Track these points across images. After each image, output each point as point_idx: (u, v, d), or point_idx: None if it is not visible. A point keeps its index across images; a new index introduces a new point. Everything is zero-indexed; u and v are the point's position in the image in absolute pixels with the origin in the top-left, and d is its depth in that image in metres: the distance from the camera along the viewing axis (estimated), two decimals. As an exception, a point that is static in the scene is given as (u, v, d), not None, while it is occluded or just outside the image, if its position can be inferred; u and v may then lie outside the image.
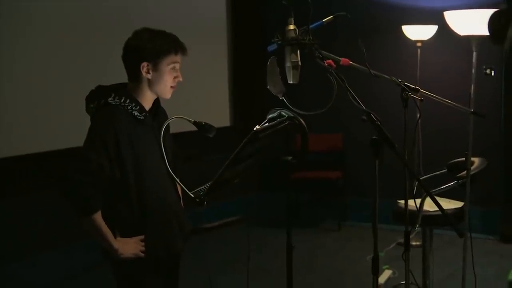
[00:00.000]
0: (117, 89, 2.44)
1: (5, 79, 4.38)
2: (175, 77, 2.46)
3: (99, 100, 2.39)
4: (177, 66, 2.46)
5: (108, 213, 2.38)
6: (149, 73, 2.41)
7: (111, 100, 2.38)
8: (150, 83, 2.43)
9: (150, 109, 2.50)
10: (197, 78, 5.68)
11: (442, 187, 3.34)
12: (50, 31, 4.65)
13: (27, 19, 4.49)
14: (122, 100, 2.38)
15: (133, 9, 5.25)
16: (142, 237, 2.43)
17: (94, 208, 2.31)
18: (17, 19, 4.43)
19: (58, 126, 4.71)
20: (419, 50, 5.29)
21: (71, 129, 4.66)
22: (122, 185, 2.37)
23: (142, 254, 2.42)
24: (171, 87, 2.47)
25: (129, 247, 2.40)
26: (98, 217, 2.32)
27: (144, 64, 2.39)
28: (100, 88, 2.46)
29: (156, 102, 2.54)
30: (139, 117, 2.40)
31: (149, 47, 2.38)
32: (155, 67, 2.41)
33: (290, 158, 2.28)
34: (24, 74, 4.49)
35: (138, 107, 2.41)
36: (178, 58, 2.45)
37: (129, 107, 2.39)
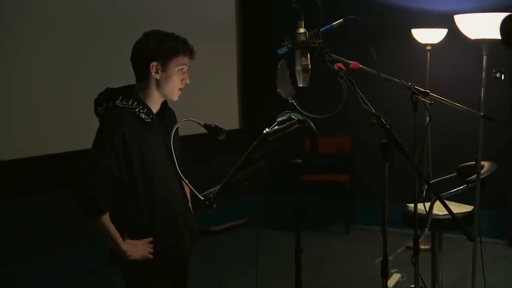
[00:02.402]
0: (125, 91, 2.45)
1: (10, 81, 4.39)
2: (182, 79, 2.47)
3: (107, 103, 2.41)
4: (185, 68, 2.47)
5: (117, 215, 2.39)
6: (158, 73, 2.42)
7: (118, 102, 2.39)
8: (158, 84, 2.44)
9: (158, 111, 2.51)
10: (206, 80, 5.69)
11: (452, 191, 3.33)
12: (56, 32, 4.66)
13: (32, 21, 4.50)
14: (130, 102, 2.40)
15: (140, 10, 5.24)
16: (150, 239, 2.43)
17: (102, 210, 2.32)
18: (22, 20, 4.44)
19: (63, 129, 4.72)
20: (428, 54, 5.28)
21: (76, 132, 4.69)
22: (130, 187, 2.38)
23: (151, 256, 2.42)
24: (179, 89, 2.49)
25: (138, 249, 2.40)
26: (106, 219, 2.33)
27: (154, 63, 2.40)
28: (108, 91, 2.47)
29: (164, 104, 2.55)
30: (146, 120, 2.41)
31: (158, 47, 2.39)
32: (164, 67, 2.42)
33: (299, 161, 2.28)
34: (29, 76, 4.50)
35: (145, 110, 2.42)
36: (186, 60, 2.46)
37: (136, 110, 2.40)
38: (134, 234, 2.43)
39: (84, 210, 2.32)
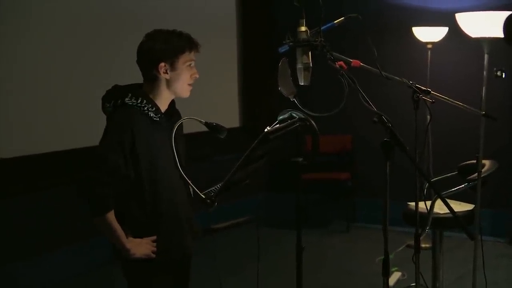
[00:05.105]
0: (134, 89, 2.45)
1: (10, 79, 4.37)
2: (191, 74, 2.48)
3: (116, 100, 2.40)
4: (193, 63, 2.49)
5: (121, 212, 2.38)
6: (167, 73, 2.43)
7: (127, 100, 2.39)
8: (169, 83, 2.45)
9: (166, 110, 2.51)
10: (207, 78, 5.63)
11: (453, 189, 3.33)
12: (56, 31, 4.64)
13: (32, 20, 4.48)
14: (139, 100, 2.40)
15: (140, 7, 5.23)
16: (154, 237, 2.44)
17: (109, 208, 2.32)
18: (23, 19, 4.42)
19: (63, 127, 4.71)
20: (429, 52, 5.27)
21: (76, 130, 4.68)
22: (136, 185, 2.38)
23: (153, 255, 2.42)
24: (189, 85, 2.50)
25: (141, 247, 2.41)
26: (111, 216, 2.34)
27: (162, 64, 2.41)
28: (116, 88, 2.47)
29: (172, 103, 2.55)
30: (154, 118, 2.41)
31: (164, 47, 2.40)
32: (173, 66, 2.43)
33: (300, 159, 2.29)
34: (29, 74, 4.48)
35: (154, 108, 2.42)
36: (193, 55, 2.47)
37: (145, 108, 2.40)
38: (137, 232, 2.43)
39: (92, 207, 2.32)
